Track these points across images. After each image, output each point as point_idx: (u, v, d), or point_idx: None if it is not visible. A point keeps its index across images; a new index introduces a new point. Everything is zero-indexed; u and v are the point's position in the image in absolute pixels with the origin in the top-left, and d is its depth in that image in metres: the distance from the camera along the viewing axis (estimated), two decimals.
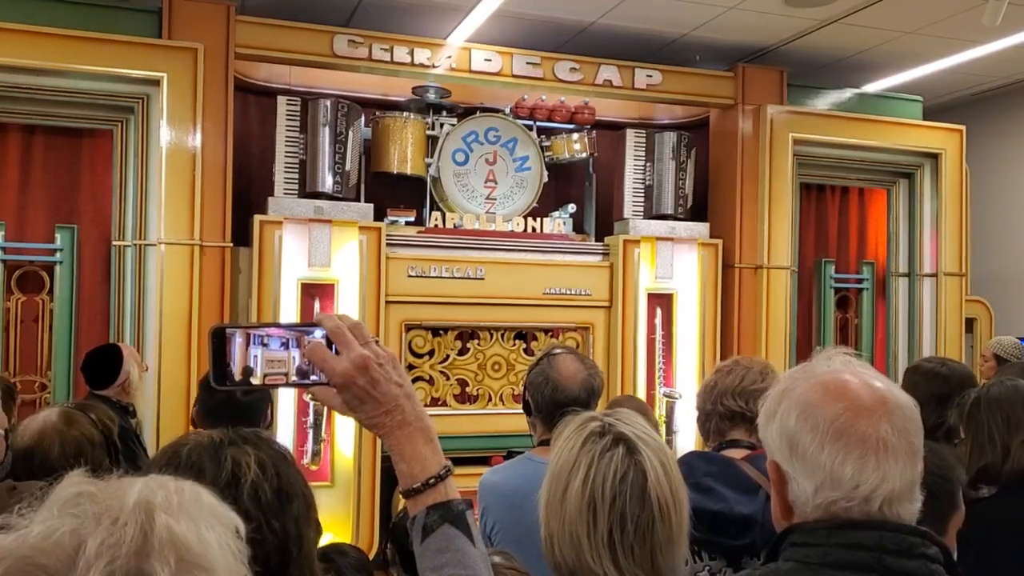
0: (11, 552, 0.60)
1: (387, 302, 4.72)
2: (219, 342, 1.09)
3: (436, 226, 4.98)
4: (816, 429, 1.08)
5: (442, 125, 5.15)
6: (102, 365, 3.50)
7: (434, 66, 4.92)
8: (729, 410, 1.94)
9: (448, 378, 4.98)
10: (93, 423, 2.33)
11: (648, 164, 5.41)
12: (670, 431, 5.17)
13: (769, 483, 1.79)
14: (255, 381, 1.12)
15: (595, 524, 1.21)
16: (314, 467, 4.53)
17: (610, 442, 1.26)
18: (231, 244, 4.50)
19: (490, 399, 5.02)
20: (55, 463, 2.12)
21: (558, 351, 2.22)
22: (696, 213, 5.56)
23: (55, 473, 1.94)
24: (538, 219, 5.17)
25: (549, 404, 2.12)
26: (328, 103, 4.71)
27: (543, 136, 5.35)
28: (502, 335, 5.07)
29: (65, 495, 0.65)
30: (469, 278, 4.90)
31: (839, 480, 1.06)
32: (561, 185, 5.58)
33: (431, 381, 4.92)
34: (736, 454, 1.90)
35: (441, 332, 4.97)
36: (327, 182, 4.70)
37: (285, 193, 4.68)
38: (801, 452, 1.09)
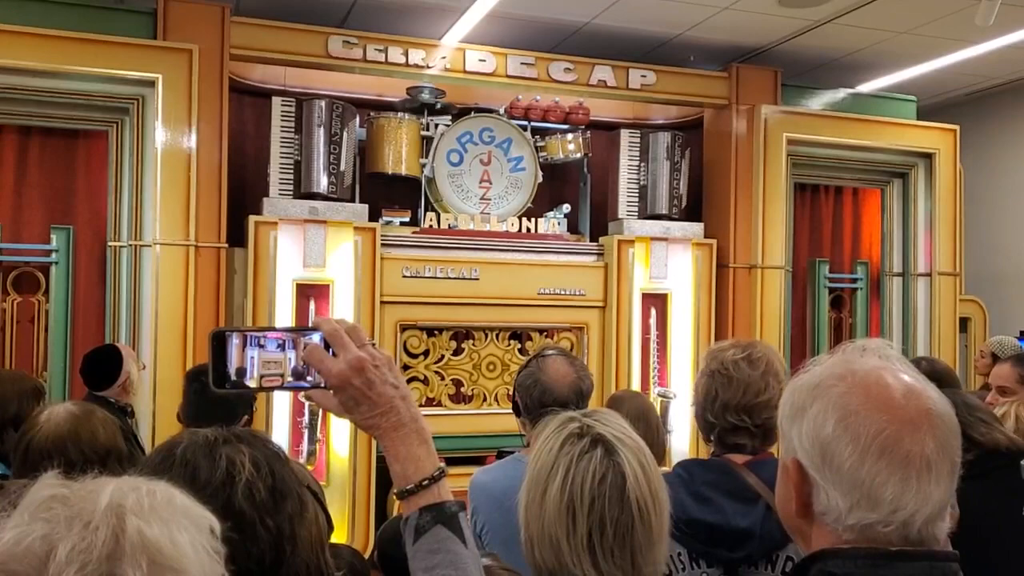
0: None
1: (382, 302, 4.73)
2: (219, 345, 1.11)
3: (431, 226, 5.00)
4: (856, 442, 1.00)
5: (436, 125, 5.16)
6: (102, 367, 3.51)
7: (428, 67, 4.93)
8: (733, 424, 1.87)
9: (443, 378, 4.99)
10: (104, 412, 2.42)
11: (642, 164, 5.42)
12: (665, 430, 5.18)
13: (770, 492, 1.78)
14: (251, 383, 1.13)
15: (574, 527, 1.21)
16: (309, 467, 4.53)
17: (588, 444, 1.26)
18: (226, 245, 4.51)
19: (485, 399, 5.03)
20: (104, 442, 2.19)
21: (548, 353, 2.23)
22: (690, 213, 5.57)
23: (104, 452, 1.99)
24: (533, 219, 5.18)
25: (537, 406, 2.12)
26: (323, 104, 4.72)
27: (537, 136, 5.36)
28: (497, 335, 5.08)
29: (38, 499, 0.65)
30: (464, 278, 4.91)
31: (877, 502, 0.99)
32: (556, 185, 5.59)
33: (426, 381, 4.94)
34: (737, 459, 1.86)
35: (436, 332, 4.98)
36: (322, 183, 4.71)
37: (280, 194, 4.69)
38: (837, 464, 1.00)
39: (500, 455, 2.37)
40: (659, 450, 2.92)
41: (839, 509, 1.01)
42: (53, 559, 0.60)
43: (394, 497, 4.40)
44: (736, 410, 1.85)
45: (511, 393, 2.34)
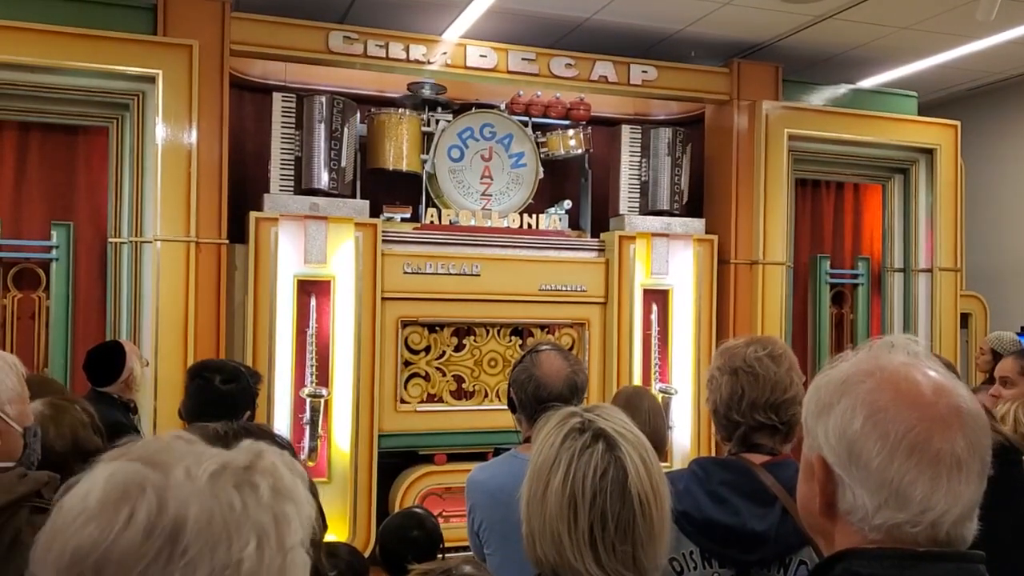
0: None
1: (383, 299, 4.73)
2: None
3: (432, 223, 4.99)
4: (885, 440, 0.97)
5: (438, 121, 5.16)
6: (105, 363, 3.52)
7: (429, 62, 4.92)
8: (760, 423, 1.84)
9: (444, 374, 4.98)
10: (78, 409, 2.42)
11: (643, 160, 5.41)
12: (667, 426, 5.18)
13: (787, 494, 1.76)
14: None
15: (576, 521, 1.21)
16: (311, 463, 4.54)
17: (590, 438, 1.26)
18: (227, 241, 4.51)
19: (486, 395, 5.03)
20: (53, 443, 2.20)
21: (542, 348, 2.22)
22: (691, 209, 5.57)
23: (54, 453, 2.01)
24: (534, 215, 5.18)
25: (532, 401, 2.12)
26: (323, 100, 4.71)
27: (538, 132, 5.36)
28: (498, 331, 5.08)
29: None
30: (465, 274, 4.91)
31: (906, 501, 0.96)
32: (557, 181, 5.59)
33: (427, 377, 4.94)
34: (755, 459, 1.83)
35: (437, 328, 4.98)
36: (323, 179, 4.71)
37: (281, 190, 4.68)
38: (864, 462, 0.98)
39: (497, 453, 2.36)
40: (664, 445, 2.93)
41: (866, 508, 0.99)
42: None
43: (396, 493, 4.38)
44: (764, 408, 1.81)
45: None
